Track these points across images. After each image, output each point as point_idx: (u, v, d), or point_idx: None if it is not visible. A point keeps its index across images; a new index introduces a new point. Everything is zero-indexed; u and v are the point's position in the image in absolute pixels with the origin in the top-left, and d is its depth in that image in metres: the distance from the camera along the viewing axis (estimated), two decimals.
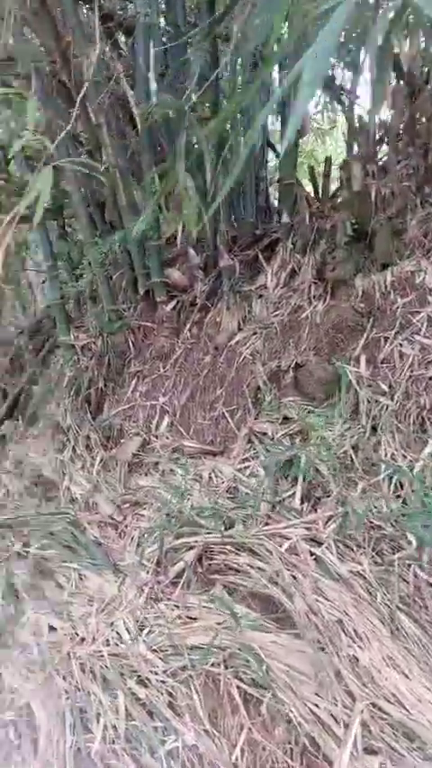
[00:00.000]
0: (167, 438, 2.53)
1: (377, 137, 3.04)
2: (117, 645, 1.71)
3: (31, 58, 2.50)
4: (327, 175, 3.13)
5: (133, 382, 2.80)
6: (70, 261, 3.43)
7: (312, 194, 3.16)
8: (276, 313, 2.67)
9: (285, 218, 3.02)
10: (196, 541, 1.88)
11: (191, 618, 1.73)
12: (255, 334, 2.65)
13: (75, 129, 2.82)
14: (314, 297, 2.59)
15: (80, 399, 2.72)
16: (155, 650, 1.65)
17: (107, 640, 1.73)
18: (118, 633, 1.75)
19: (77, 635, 1.78)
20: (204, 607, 1.74)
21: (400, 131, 2.82)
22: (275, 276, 2.90)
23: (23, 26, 2.39)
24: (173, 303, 2.88)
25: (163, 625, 1.70)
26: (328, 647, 1.53)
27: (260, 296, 2.90)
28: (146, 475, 2.42)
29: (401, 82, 2.83)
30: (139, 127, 2.53)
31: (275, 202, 3.48)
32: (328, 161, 3.19)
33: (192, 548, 1.88)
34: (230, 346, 2.68)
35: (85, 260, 2.68)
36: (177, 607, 1.77)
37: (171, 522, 2.02)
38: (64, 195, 3.33)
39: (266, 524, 1.88)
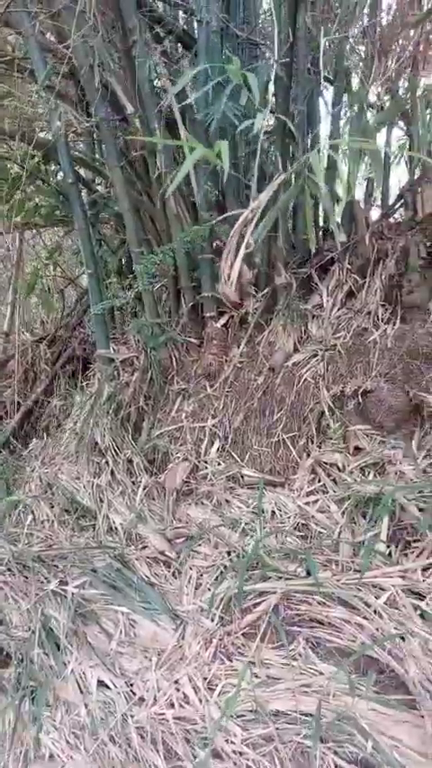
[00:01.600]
0: (219, 464, 2.33)
1: None
2: (183, 707, 1.48)
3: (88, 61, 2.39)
4: (369, 195, 3.07)
5: (178, 401, 2.61)
6: (105, 269, 3.28)
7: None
8: (338, 335, 2.52)
9: (342, 237, 2.91)
10: (274, 587, 1.66)
11: (272, 678, 1.50)
12: (315, 356, 2.50)
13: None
14: (383, 320, 2.45)
15: (120, 418, 2.51)
16: (231, 715, 1.42)
17: (171, 701, 1.49)
18: (184, 693, 1.51)
19: (134, 693, 1.54)
20: (286, 665, 1.52)
21: None
22: (331, 296, 2.77)
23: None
24: (223, 319, 2.72)
25: (238, 685, 1.47)
26: None
27: (314, 316, 2.76)
28: (197, 505, 2.20)
29: None
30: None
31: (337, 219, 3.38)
32: (370, 182, 3.14)
33: (268, 594, 1.66)
34: (287, 367, 2.51)
35: (135, 270, 2.52)
36: (254, 664, 1.54)
37: (236, 562, 1.81)
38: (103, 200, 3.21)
39: (355, 571, 1.68)
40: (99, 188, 3.40)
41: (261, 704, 1.42)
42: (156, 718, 1.47)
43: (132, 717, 1.48)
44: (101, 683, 1.59)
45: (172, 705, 1.49)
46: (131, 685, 1.57)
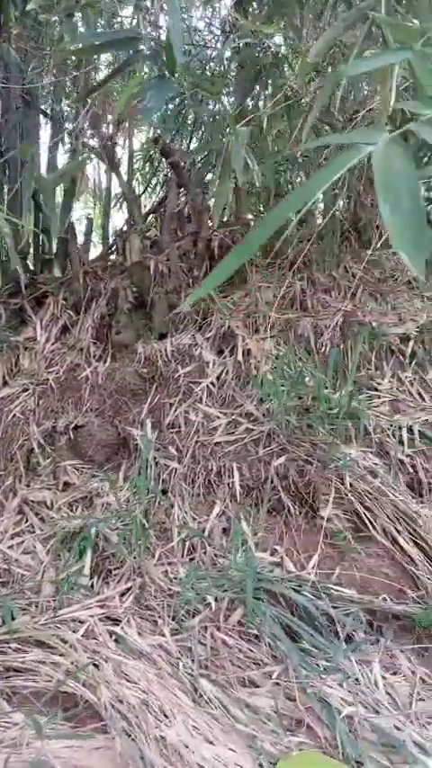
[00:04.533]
0: None
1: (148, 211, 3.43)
2: None
3: None
4: (87, 235, 3.32)
5: None
6: None
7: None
8: (51, 369, 2.60)
9: (57, 272, 3.03)
10: None
11: None
12: (26, 390, 2.51)
13: None
14: (95, 357, 2.64)
15: None
16: None
17: None
18: None
19: None
20: None
21: (174, 216, 3.24)
22: (45, 330, 2.84)
23: None
24: None
25: None
26: (135, 733, 1.49)
27: (27, 348, 2.78)
28: None
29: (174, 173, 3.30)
30: None
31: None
32: (90, 221, 3.40)
33: None
34: None
35: None
36: None
37: None
38: None
39: (55, 609, 1.75)
40: None
41: None
42: None
43: None
44: None
45: None
46: None
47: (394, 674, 1.73)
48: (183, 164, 3.00)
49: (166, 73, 1.16)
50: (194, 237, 3.09)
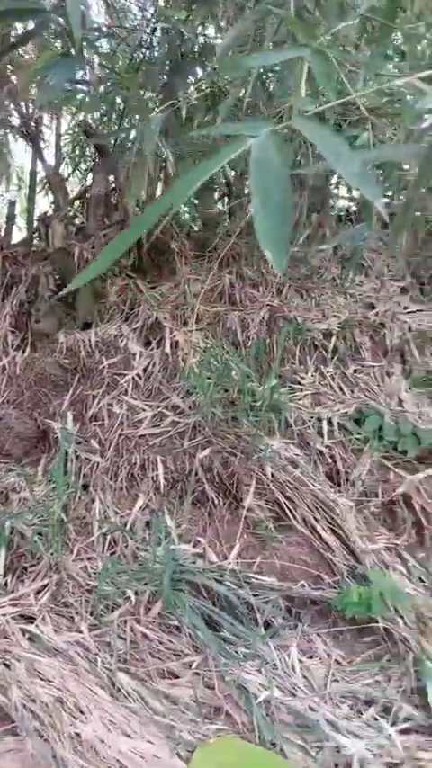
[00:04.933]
0: None
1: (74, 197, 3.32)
2: None
3: None
4: (9, 219, 3.19)
5: None
6: None
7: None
8: None
9: None
10: None
11: None
12: None
13: None
14: (12, 347, 2.53)
15: None
16: None
17: None
18: None
19: None
20: None
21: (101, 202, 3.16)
22: None
23: None
24: None
25: None
26: (48, 732, 1.46)
27: None
28: None
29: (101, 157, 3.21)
30: None
31: None
32: (12, 205, 3.27)
33: None
34: None
35: None
36: None
37: None
38: None
39: None
40: None
41: None
42: None
43: None
44: None
45: None
46: None
47: (311, 657, 1.80)
48: (109, 148, 2.93)
49: (72, 51, 1.12)
50: (122, 225, 3.03)
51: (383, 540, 2.06)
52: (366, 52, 1.20)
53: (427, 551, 2.09)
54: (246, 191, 3.45)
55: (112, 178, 3.20)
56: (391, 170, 1.62)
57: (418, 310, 2.96)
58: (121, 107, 2.77)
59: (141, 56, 2.55)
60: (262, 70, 2.22)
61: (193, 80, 1.92)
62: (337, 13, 0.97)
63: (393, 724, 1.57)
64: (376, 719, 1.59)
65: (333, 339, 2.79)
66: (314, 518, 2.07)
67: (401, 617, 1.80)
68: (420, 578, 1.99)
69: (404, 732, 1.55)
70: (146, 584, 1.82)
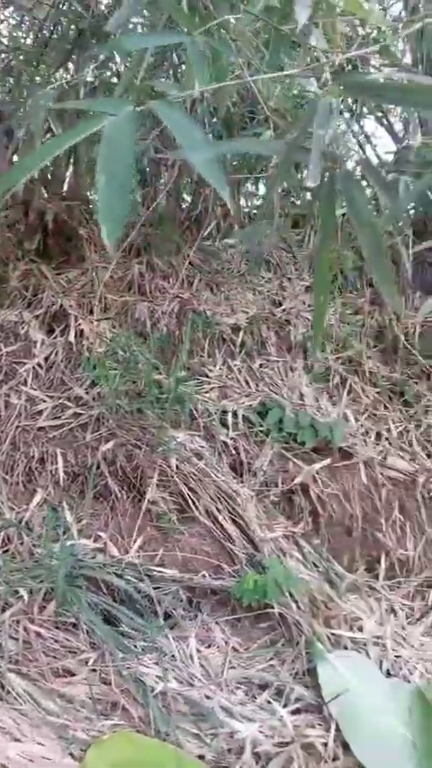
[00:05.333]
0: None
1: None
2: None
3: None
4: None
5: None
6: None
7: None
8: None
9: None
10: None
11: None
12: None
13: None
14: None
15: None
16: None
17: None
18: None
19: None
20: None
21: None
22: None
23: None
24: None
25: None
26: None
27: None
28: None
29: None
30: None
31: None
32: None
33: None
34: None
35: None
36: None
37: None
38: None
39: None
40: None
41: None
42: None
43: None
44: None
45: None
46: None
47: (209, 646, 1.83)
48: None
49: None
50: (26, 207, 2.88)
51: (281, 528, 2.14)
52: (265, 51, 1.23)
53: (322, 538, 2.20)
54: (161, 180, 3.42)
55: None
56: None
57: None
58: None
59: (49, 32, 2.43)
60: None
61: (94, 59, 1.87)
62: (227, 9, 0.98)
63: (285, 705, 1.64)
64: (269, 702, 1.65)
65: (241, 334, 2.85)
66: (216, 509, 2.11)
67: (295, 602, 1.88)
68: (315, 564, 2.10)
69: (295, 712, 1.63)
70: (41, 581, 1.76)
